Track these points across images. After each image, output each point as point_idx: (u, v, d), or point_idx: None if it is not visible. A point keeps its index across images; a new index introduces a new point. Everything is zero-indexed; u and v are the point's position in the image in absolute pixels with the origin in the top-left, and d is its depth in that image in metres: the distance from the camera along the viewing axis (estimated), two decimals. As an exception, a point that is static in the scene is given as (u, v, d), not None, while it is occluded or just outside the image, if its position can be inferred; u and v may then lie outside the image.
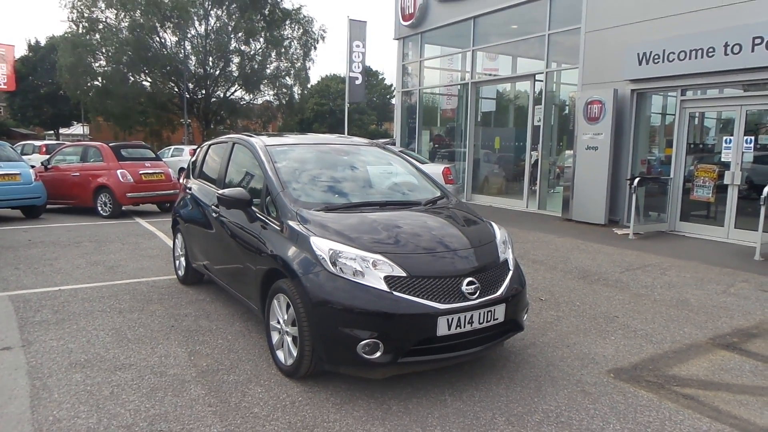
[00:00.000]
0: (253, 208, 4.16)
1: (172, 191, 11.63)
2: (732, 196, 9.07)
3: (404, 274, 3.29)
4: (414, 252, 3.45)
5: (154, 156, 12.44)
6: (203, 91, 34.40)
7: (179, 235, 5.97)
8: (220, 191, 4.23)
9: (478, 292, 3.41)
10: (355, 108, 42.33)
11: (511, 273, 3.75)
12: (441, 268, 3.40)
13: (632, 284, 6.32)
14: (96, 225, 10.11)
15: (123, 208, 11.24)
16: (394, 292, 3.23)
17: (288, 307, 3.57)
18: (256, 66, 33.91)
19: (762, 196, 7.72)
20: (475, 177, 14.97)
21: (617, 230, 10.09)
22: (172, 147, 23.31)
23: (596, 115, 10.59)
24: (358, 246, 3.41)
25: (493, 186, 14.80)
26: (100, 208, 11.10)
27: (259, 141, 4.64)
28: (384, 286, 3.23)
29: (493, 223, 4.22)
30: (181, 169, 19.61)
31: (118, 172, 11.02)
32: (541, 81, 12.75)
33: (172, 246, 6.42)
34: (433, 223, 3.88)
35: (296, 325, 3.44)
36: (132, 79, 33.31)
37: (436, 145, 16.64)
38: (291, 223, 3.72)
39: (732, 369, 3.97)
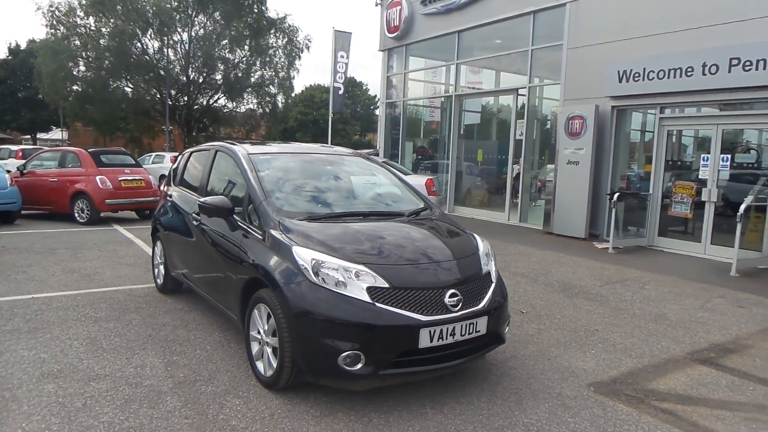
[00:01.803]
0: (234, 216, 4.12)
1: (151, 198, 11.47)
2: (709, 213, 9.23)
3: (387, 285, 3.27)
4: (397, 263, 3.44)
5: (134, 162, 12.29)
6: (186, 98, 34.13)
7: (158, 243, 5.88)
8: (202, 199, 4.18)
9: (461, 304, 3.40)
10: (339, 118, 42.35)
11: (493, 285, 3.75)
12: (424, 280, 3.39)
13: (612, 298, 6.37)
14: (73, 232, 9.92)
15: (101, 214, 11.05)
16: (377, 304, 3.20)
17: (269, 317, 3.52)
18: (240, 74, 33.77)
19: (738, 214, 7.86)
20: (457, 189, 15.04)
21: (597, 244, 10.20)
22: (153, 154, 23.05)
23: (577, 131, 10.73)
24: (341, 256, 3.38)
25: (475, 198, 14.88)
26: (77, 215, 10.90)
27: (242, 149, 4.60)
28: (366, 297, 3.21)
29: (475, 235, 4.23)
30: (162, 176, 19.37)
31: (97, 178, 10.85)
32: (524, 95, 12.90)
33: (150, 254, 6.32)
34: (417, 235, 3.87)
35: (277, 335, 3.40)
36: (113, 84, 32.91)
37: (419, 157, 16.70)
38: (273, 232, 3.68)
39: (709, 384, 4.01)
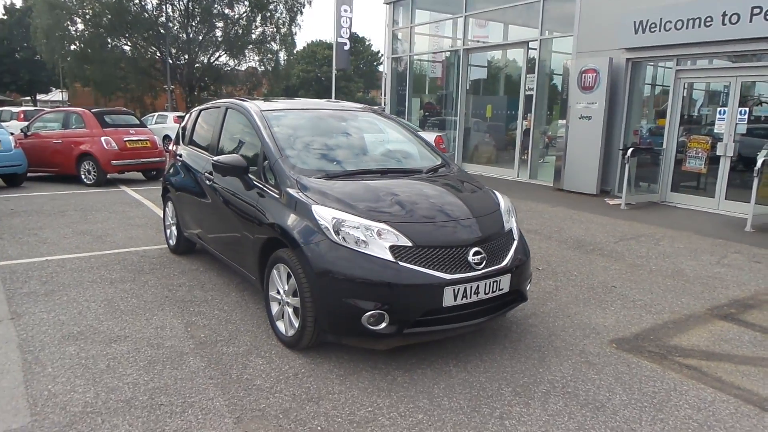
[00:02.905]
0: (249, 175, 4.02)
1: (158, 159, 11.37)
2: (724, 168, 9.08)
3: (410, 244, 3.20)
4: (419, 221, 3.36)
5: (138, 122, 12.11)
6: (186, 57, 33.49)
7: (170, 204, 5.81)
8: (215, 158, 4.07)
9: (484, 262, 3.34)
10: (342, 75, 41.66)
11: (515, 243, 3.68)
12: (447, 238, 3.32)
13: (627, 254, 6.32)
14: (80, 193, 9.86)
15: (108, 176, 10.96)
16: (400, 262, 3.14)
17: (289, 277, 3.47)
18: (240, 31, 33.01)
19: (755, 168, 7.72)
20: (465, 146, 14.85)
21: (609, 200, 10.09)
22: (156, 114, 22.78)
23: (590, 84, 10.47)
24: (362, 214, 3.30)
25: (483, 155, 14.70)
26: (83, 176, 10.81)
27: (254, 106, 4.46)
28: (389, 256, 3.15)
29: (496, 192, 4.13)
30: (166, 137, 19.20)
31: (102, 139, 10.70)
32: (535, 49, 12.55)
33: (162, 215, 6.26)
34: (437, 192, 3.78)
35: (298, 295, 3.36)
36: (111, 43, 32.25)
37: (427, 113, 16.43)
38: (290, 190, 3.60)
39: (732, 340, 3.98)
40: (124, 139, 10.99)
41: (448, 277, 3.18)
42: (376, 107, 6.04)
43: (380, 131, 4.83)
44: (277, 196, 3.68)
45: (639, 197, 9.92)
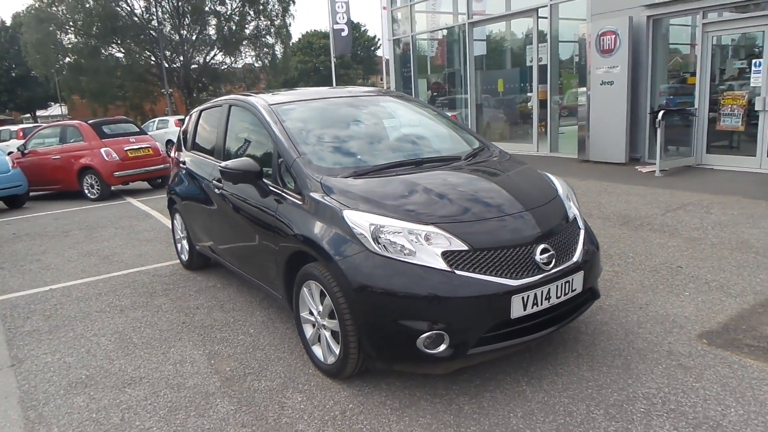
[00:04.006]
0: (264, 180, 3.50)
1: (162, 166, 10.90)
2: (764, 123, 8.42)
3: (466, 248, 2.67)
4: (473, 219, 2.82)
5: (138, 130, 11.62)
6: (181, 58, 32.91)
7: (177, 216, 5.32)
8: (223, 163, 3.54)
9: (553, 260, 2.80)
10: (340, 63, 40.90)
11: (582, 233, 3.14)
12: (508, 237, 2.78)
13: (680, 227, 5.75)
14: (85, 210, 9.40)
15: (112, 188, 10.51)
16: (456, 271, 2.61)
17: (323, 295, 2.96)
18: (234, 27, 32.33)
19: (806, 119, 7.07)
20: (479, 123, 14.21)
21: (641, 168, 9.47)
22: (157, 119, 22.27)
23: (610, 47, 9.80)
24: (404, 217, 2.78)
25: (499, 131, 14.06)
26: (87, 191, 10.37)
27: (260, 100, 3.93)
28: (443, 265, 2.62)
29: (549, 175, 3.59)
30: (169, 141, 18.73)
31: (102, 150, 10.23)
32: (545, 17, 11.85)
33: (170, 227, 5.77)
34: (485, 182, 3.24)
35: (335, 317, 2.85)
36: (104, 52, 31.74)
37: (435, 93, 15.79)
38: (315, 195, 3.07)
39: (837, 321, 3.43)
40: (125, 149, 10.52)
41: (514, 283, 2.65)
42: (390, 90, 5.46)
43: (405, 116, 4.28)
44: (300, 203, 3.16)
45: (672, 162, 9.29)
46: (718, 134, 9.18)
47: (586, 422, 2.54)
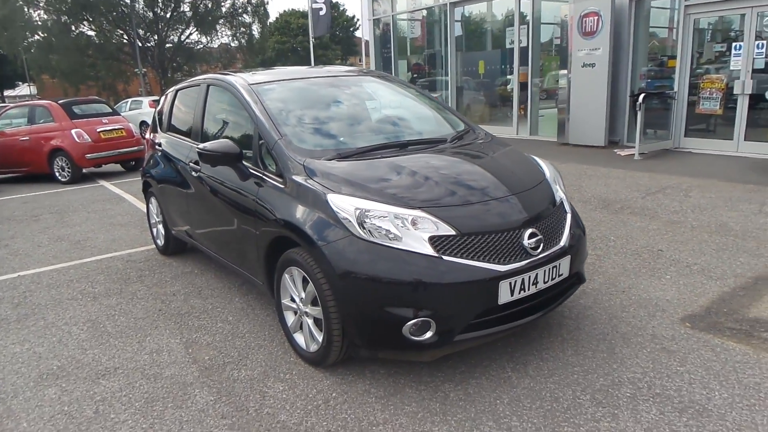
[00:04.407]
0: (244, 162, 3.38)
1: (135, 148, 10.61)
2: (742, 107, 8.49)
3: (453, 233, 2.60)
4: (460, 203, 2.75)
5: (110, 111, 11.27)
6: (155, 37, 32.04)
7: (153, 199, 5.15)
8: (201, 145, 3.40)
9: (541, 245, 2.75)
10: (319, 43, 40.18)
11: (569, 217, 3.10)
12: (496, 221, 2.72)
13: (660, 210, 5.77)
14: (55, 193, 9.12)
15: (83, 171, 10.20)
16: (444, 257, 2.55)
17: (305, 282, 2.88)
18: (209, 4, 31.54)
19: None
20: (459, 105, 14.11)
21: (619, 151, 9.52)
22: (130, 100, 21.67)
23: (593, 29, 9.76)
24: (390, 201, 2.69)
25: (479, 113, 13.99)
26: (57, 174, 10.05)
27: (240, 79, 3.78)
28: (430, 250, 2.55)
29: (536, 158, 3.53)
30: (143, 123, 18.27)
31: (73, 131, 9.90)
32: (527, -2, 11.75)
33: (145, 211, 5.60)
34: (471, 166, 3.16)
35: (318, 304, 2.77)
36: (75, 29, 30.71)
37: (415, 75, 15.62)
38: (297, 178, 2.97)
39: (816, 303, 3.46)
40: (98, 130, 10.20)
41: (502, 268, 2.60)
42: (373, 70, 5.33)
43: (388, 97, 4.17)
44: (282, 186, 3.05)
45: (651, 145, 9.34)
46: (697, 117, 9.25)
47: (573, 408, 2.51)
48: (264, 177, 3.20)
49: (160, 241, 5.15)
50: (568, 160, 9.08)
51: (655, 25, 10.48)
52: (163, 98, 5.17)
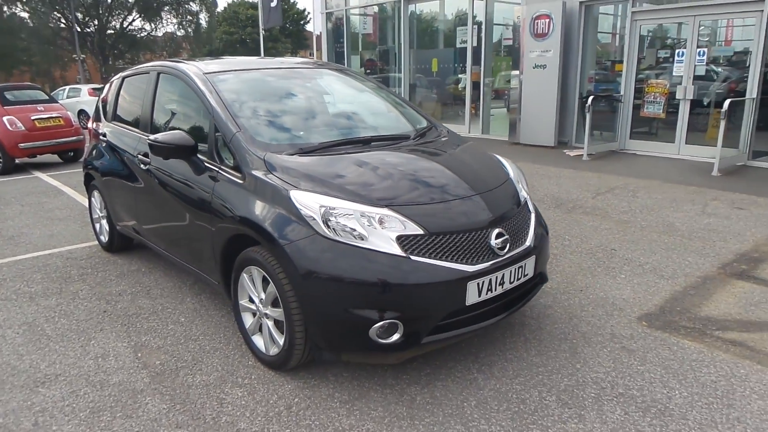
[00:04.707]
0: (199, 156, 3.20)
1: (74, 138, 10.06)
2: (684, 111, 8.86)
3: (421, 232, 2.53)
4: (427, 202, 2.69)
5: (47, 98, 10.62)
6: (96, 22, 30.54)
7: (96, 193, 4.85)
8: (153, 137, 3.20)
9: (508, 245, 2.73)
10: (269, 36, 39.44)
11: (533, 216, 3.10)
12: (463, 220, 2.67)
13: (610, 210, 5.93)
14: (-15, 184, 8.51)
15: (16, 161, 9.57)
16: (412, 257, 2.48)
17: (265, 282, 2.75)
18: (154, -10, 30.38)
19: (722, 111, 7.48)
20: (412, 102, 14.12)
21: (568, 152, 9.76)
22: (67, 87, 20.55)
23: (544, 31, 9.95)
24: (356, 198, 2.60)
25: (430, 111, 14.05)
26: (-13, 164, 9.39)
27: (194, 68, 3.59)
28: (398, 250, 2.47)
29: (499, 157, 3.51)
30: (81, 111, 17.39)
31: (5, 119, 9.28)
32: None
33: (87, 205, 5.27)
34: (436, 164, 3.10)
35: (280, 305, 2.64)
36: (7, 10, 28.89)
37: (368, 71, 15.52)
38: (257, 173, 2.83)
39: (760, 303, 3.60)
40: (32, 118, 9.59)
41: (470, 269, 2.55)
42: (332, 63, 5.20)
43: (351, 91, 4.07)
44: (240, 181, 2.90)
45: (598, 147, 9.62)
46: (641, 121, 9.59)
47: (540, 409, 2.50)
48: (220, 171, 3.05)
49: (104, 238, 4.86)
50: (519, 159, 9.20)
51: (603, 30, 10.79)
52: (107, 86, 4.87)
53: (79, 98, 18.40)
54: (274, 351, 2.80)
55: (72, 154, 10.41)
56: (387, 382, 2.74)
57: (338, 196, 2.60)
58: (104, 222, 4.78)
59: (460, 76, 12.96)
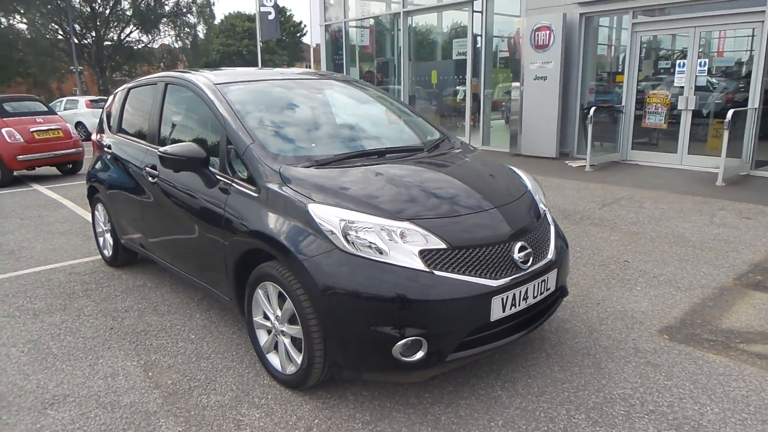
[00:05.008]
0: (210, 168, 3.13)
1: (74, 150, 9.97)
2: (685, 122, 8.87)
3: (444, 246, 2.46)
4: (448, 215, 2.62)
5: (46, 109, 10.53)
6: (93, 34, 30.52)
7: (100, 206, 4.77)
8: (163, 149, 3.12)
9: (531, 258, 2.66)
10: (265, 48, 39.49)
11: (553, 229, 3.03)
12: (486, 234, 2.60)
13: (619, 221, 5.88)
14: (-17, 197, 8.39)
15: (15, 173, 9.47)
16: (435, 272, 2.40)
17: (281, 298, 2.66)
18: (152, 2, 30.37)
19: (726, 121, 7.47)
20: (412, 115, 14.09)
21: (571, 163, 9.74)
22: (65, 99, 20.46)
23: (545, 43, 9.96)
24: (375, 212, 2.53)
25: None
26: (-15, 177, 9.28)
27: (203, 78, 3.52)
28: (420, 265, 2.40)
29: (516, 169, 3.46)
30: (79, 123, 17.31)
31: (4, 131, 9.18)
32: (480, 11, 11.88)
33: (89, 219, 5.18)
34: (454, 176, 3.03)
35: (298, 323, 2.56)
36: (4, 21, 28.85)
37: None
38: (272, 186, 2.76)
39: (781, 314, 3.55)
40: (31, 130, 9.49)
41: (494, 283, 2.48)
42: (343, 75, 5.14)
43: (361, 102, 4.01)
44: (254, 194, 2.83)
45: (600, 158, 9.61)
46: (642, 131, 9.59)
47: (570, 428, 2.42)
48: (233, 184, 2.97)
49: (108, 252, 4.76)
50: (522, 170, 9.18)
51: (603, 41, 10.82)
52: (111, 97, 4.80)
53: (76, 110, 18.31)
54: (291, 369, 2.71)
55: (71, 166, 10.31)
56: (409, 401, 2.65)
57: (357, 209, 2.53)
58: (108, 236, 4.69)
59: (459, 87, 12.97)
